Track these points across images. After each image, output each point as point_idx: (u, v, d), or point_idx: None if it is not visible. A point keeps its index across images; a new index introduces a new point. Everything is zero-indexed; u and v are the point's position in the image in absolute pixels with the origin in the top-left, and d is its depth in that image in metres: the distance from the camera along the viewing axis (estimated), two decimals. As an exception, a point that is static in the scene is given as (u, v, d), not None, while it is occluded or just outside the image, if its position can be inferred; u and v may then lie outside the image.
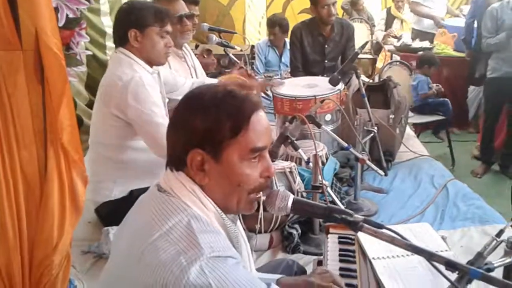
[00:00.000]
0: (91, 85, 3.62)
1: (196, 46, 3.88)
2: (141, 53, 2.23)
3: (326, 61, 3.91)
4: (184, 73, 2.96)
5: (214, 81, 2.97)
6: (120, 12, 2.29)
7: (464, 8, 6.04)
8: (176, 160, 1.10)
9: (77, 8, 1.82)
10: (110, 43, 3.87)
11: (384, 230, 1.13)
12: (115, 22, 2.30)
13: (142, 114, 2.12)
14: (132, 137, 2.24)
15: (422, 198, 2.74)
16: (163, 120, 2.15)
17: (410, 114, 3.89)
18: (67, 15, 1.83)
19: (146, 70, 2.24)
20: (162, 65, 2.39)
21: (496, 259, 1.34)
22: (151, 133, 2.14)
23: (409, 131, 3.75)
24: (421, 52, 5.17)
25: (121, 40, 2.24)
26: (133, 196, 2.21)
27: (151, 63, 2.28)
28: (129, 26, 2.19)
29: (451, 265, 1.05)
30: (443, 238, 1.66)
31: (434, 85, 4.56)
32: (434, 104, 4.55)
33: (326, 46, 3.87)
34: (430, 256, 1.08)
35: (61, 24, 1.81)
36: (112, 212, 2.22)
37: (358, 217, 1.15)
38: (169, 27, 2.27)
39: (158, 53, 2.26)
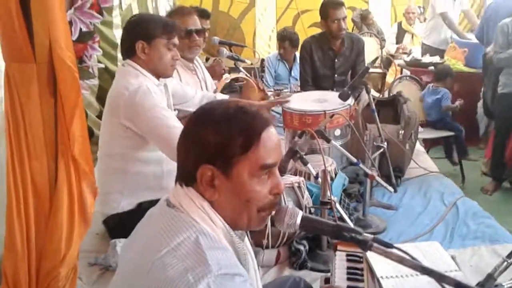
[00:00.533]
0: (102, 97, 3.63)
1: (207, 59, 3.90)
2: (148, 65, 2.24)
3: (336, 75, 3.91)
4: (194, 86, 2.97)
5: (225, 96, 2.99)
6: (128, 24, 2.30)
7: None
8: (186, 175, 1.09)
9: (90, 22, 1.85)
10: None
11: (393, 250, 1.12)
12: (122, 34, 2.31)
13: (152, 119, 2.11)
14: (141, 148, 2.25)
15: (431, 216, 2.71)
16: (175, 122, 2.14)
17: (420, 129, 3.86)
18: (80, 29, 1.86)
19: (151, 81, 2.24)
20: (169, 77, 2.40)
21: (507, 280, 1.33)
22: (163, 136, 2.11)
23: (419, 147, 3.73)
24: (432, 67, 5.16)
25: (128, 52, 2.25)
26: (141, 209, 2.21)
27: (158, 75, 2.29)
28: (137, 38, 2.20)
29: (461, 287, 1.03)
30: (453, 258, 1.63)
31: (458, 100, 4.49)
32: (449, 123, 4.52)
33: (336, 60, 3.87)
34: (440, 278, 1.06)
35: (74, 37, 1.84)
36: (120, 225, 2.22)
37: (368, 235, 1.14)
38: (176, 40, 2.28)
39: (165, 65, 2.26)
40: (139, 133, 2.19)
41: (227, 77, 3.39)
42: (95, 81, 2.06)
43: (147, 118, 2.13)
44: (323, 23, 3.78)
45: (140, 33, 2.21)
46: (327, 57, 3.89)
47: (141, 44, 2.20)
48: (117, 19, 3.94)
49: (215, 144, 1.04)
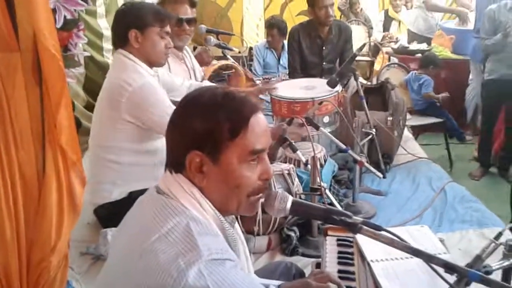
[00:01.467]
0: (89, 87, 3.62)
1: (194, 48, 3.87)
2: (142, 54, 2.23)
3: (324, 63, 3.91)
4: (183, 75, 2.96)
5: (212, 85, 2.97)
6: (119, 13, 2.29)
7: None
8: (175, 162, 1.10)
9: (74, 10, 1.82)
10: (107, 45, 3.87)
11: (383, 232, 1.13)
12: (114, 23, 2.29)
13: (160, 118, 2.11)
14: (138, 140, 2.25)
15: (420, 201, 2.74)
16: None
17: (409, 116, 3.89)
18: (65, 16, 1.82)
19: (148, 73, 2.24)
20: (162, 66, 2.39)
21: (495, 262, 1.34)
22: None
23: (407, 133, 3.75)
24: (419, 54, 5.18)
25: (121, 41, 2.23)
26: (132, 198, 2.17)
27: (151, 64, 2.28)
28: (129, 27, 2.19)
29: (449, 267, 1.05)
30: (441, 241, 1.66)
31: (444, 93, 4.53)
32: (437, 110, 4.57)
33: (323, 48, 3.87)
34: (428, 259, 1.08)
35: (59, 25, 1.81)
36: (111, 214, 2.22)
37: (357, 219, 1.15)
38: (168, 28, 2.27)
39: (158, 54, 2.26)
40: (142, 126, 2.20)
41: (214, 64, 3.38)
42: (81, 70, 2.04)
43: (153, 114, 2.14)
44: (311, 10, 3.78)
45: (133, 21, 2.19)
46: (314, 45, 3.88)
47: (134, 33, 2.18)
48: (101, 8, 3.88)
49: (203, 130, 1.05)
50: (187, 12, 2.87)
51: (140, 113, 2.17)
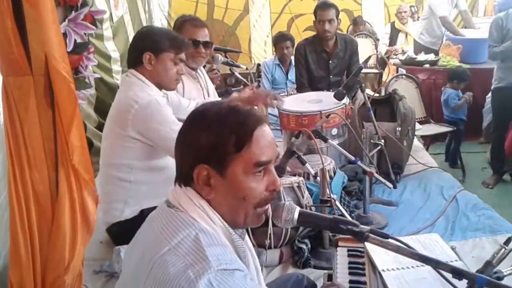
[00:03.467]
0: (100, 108, 3.68)
1: (204, 66, 3.93)
2: (153, 77, 2.26)
3: (331, 76, 3.94)
4: (197, 94, 2.99)
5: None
6: (138, 35, 2.36)
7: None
8: (184, 176, 1.12)
9: (84, 33, 1.88)
10: (116, 67, 3.96)
11: (390, 240, 1.14)
12: (131, 44, 2.35)
13: (166, 134, 2.14)
14: (146, 158, 2.27)
15: (432, 210, 2.73)
16: None
17: (418, 126, 3.89)
18: (75, 40, 1.88)
19: (156, 93, 2.28)
20: (172, 90, 2.44)
21: (506, 267, 1.34)
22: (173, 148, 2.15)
23: (417, 143, 3.75)
24: (427, 65, 5.20)
25: (135, 62, 2.28)
26: (144, 215, 2.21)
27: (161, 87, 2.31)
28: (145, 49, 2.23)
29: (457, 272, 1.05)
30: (453, 249, 1.65)
31: (466, 94, 4.66)
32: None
33: (330, 62, 3.91)
34: (436, 265, 1.08)
35: (69, 49, 1.86)
36: (124, 232, 2.22)
37: (364, 227, 1.16)
38: (183, 55, 2.32)
39: (169, 79, 2.29)
40: (149, 143, 2.22)
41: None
42: (91, 91, 2.09)
43: (162, 132, 2.16)
44: (314, 24, 3.84)
45: (149, 45, 2.24)
46: (321, 59, 3.92)
47: (148, 56, 2.23)
48: (108, 31, 3.98)
49: (209, 144, 1.07)
50: (205, 35, 2.92)
51: (146, 130, 2.18)
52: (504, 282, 1.15)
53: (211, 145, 1.07)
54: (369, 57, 3.18)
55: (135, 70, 2.27)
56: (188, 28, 2.84)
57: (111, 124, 2.31)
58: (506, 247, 1.37)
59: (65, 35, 1.85)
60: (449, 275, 1.08)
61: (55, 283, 1.62)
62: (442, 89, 4.79)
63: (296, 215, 1.19)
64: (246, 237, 1.27)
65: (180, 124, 2.17)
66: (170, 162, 2.29)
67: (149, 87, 2.25)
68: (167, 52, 2.25)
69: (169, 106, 2.39)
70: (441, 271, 1.08)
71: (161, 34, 2.29)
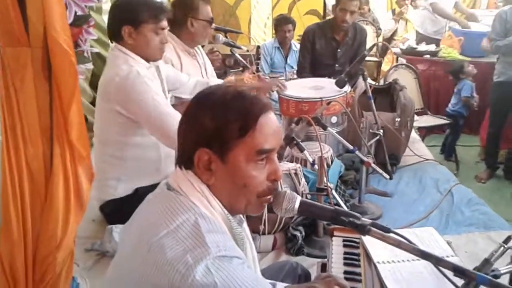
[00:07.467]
0: (95, 83, 3.60)
1: (202, 46, 3.87)
2: (136, 50, 2.19)
3: (336, 65, 3.87)
4: (195, 71, 2.94)
5: (219, 81, 2.96)
6: (114, 8, 2.25)
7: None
8: (185, 158, 1.10)
9: (85, 5, 1.82)
10: (112, 41, 3.87)
11: (391, 234, 1.12)
12: (109, 18, 2.26)
13: (144, 106, 2.09)
14: (135, 133, 2.23)
15: (426, 203, 2.73)
16: (167, 108, 2.12)
17: (416, 117, 3.88)
18: (75, 12, 1.82)
19: (142, 64, 2.21)
20: (158, 60, 2.36)
21: (502, 266, 1.33)
22: (154, 122, 2.10)
23: (414, 135, 3.74)
24: (427, 56, 5.17)
25: (115, 36, 2.21)
26: (138, 195, 2.21)
27: (147, 59, 2.25)
28: (123, 23, 2.15)
29: (458, 271, 1.04)
30: (449, 243, 1.65)
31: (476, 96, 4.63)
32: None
33: (338, 50, 3.84)
34: (437, 262, 1.07)
35: (69, 21, 1.80)
36: (117, 210, 2.22)
37: (366, 220, 1.14)
38: (164, 23, 2.22)
39: (153, 50, 2.22)
40: (132, 118, 2.16)
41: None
42: (90, 66, 2.03)
43: (139, 103, 2.10)
44: (333, 8, 3.77)
45: (126, 18, 2.16)
46: (329, 46, 3.85)
47: (127, 29, 2.15)
48: (106, 4, 3.87)
49: (212, 128, 1.05)
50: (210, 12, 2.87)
51: (126, 102, 2.12)
52: (500, 280, 1.14)
53: (214, 129, 1.04)
54: (373, 45, 3.15)
55: (119, 45, 2.21)
56: (203, 7, 2.78)
57: (99, 100, 2.27)
58: (505, 246, 1.36)
59: (65, 6, 1.79)
60: (449, 272, 1.07)
61: (46, 260, 1.59)
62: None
63: (297, 205, 1.17)
64: (245, 224, 1.25)
65: (162, 97, 2.16)
66: None
67: (134, 59, 2.19)
68: (146, 24, 2.16)
69: (157, 79, 2.34)
70: (441, 268, 1.07)
71: (137, 5, 2.17)
